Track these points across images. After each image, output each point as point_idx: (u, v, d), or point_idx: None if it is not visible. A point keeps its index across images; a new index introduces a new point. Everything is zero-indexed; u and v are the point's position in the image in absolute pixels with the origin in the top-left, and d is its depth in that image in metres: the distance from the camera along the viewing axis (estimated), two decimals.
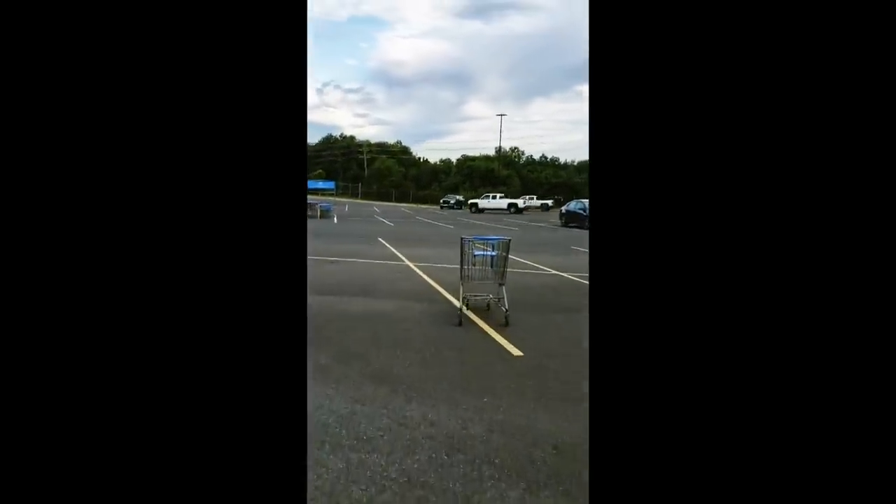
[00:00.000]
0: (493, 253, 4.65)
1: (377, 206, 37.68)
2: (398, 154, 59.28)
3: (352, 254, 8.86)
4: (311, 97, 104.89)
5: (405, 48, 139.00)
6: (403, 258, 8.44)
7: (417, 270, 7.13)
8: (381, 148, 60.76)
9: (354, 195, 49.66)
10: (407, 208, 35.48)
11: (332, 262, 7.74)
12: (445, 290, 5.65)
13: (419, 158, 61.68)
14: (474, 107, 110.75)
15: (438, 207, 38.30)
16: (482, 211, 31.42)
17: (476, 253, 4.64)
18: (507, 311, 4.29)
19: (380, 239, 11.89)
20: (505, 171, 50.18)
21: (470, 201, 33.64)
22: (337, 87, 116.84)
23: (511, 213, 30.37)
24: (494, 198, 32.13)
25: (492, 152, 55.69)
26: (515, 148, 61.11)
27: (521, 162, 59.07)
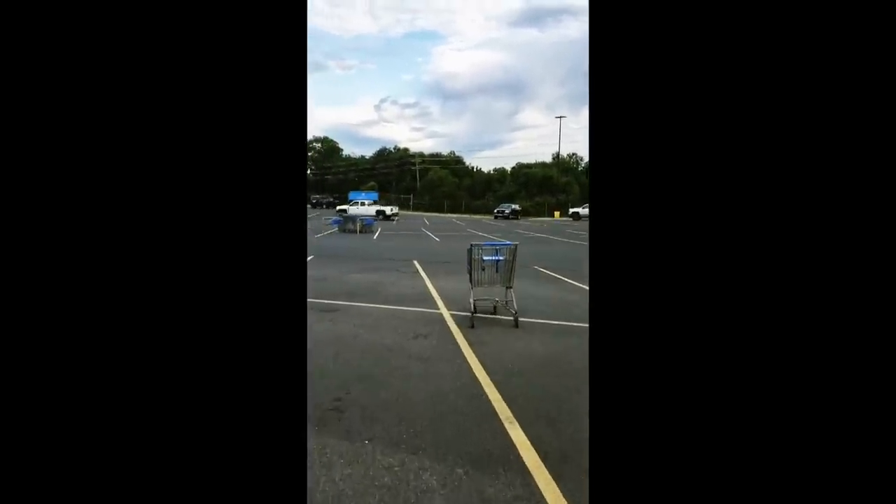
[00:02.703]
0: (501, 258, 4.78)
1: (427, 217, 35.34)
2: (451, 164, 56.82)
3: (368, 291, 6.11)
4: (370, 114, 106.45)
5: (460, 60, 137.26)
6: (438, 300, 5.57)
7: (455, 331, 4.23)
8: (434, 158, 58.67)
9: (408, 206, 47.84)
10: (458, 219, 32.80)
11: (328, 311, 5.03)
12: (508, 401, 2.73)
13: (472, 168, 58.97)
14: (529, 115, 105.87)
15: (493, 217, 35.72)
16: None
17: (485, 258, 4.81)
18: (515, 312, 4.53)
19: (415, 263, 9.11)
20: (564, 179, 46.39)
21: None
22: (394, 102, 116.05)
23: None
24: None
25: (548, 159, 52.04)
26: (574, 154, 56.82)
27: (580, 169, 54.78)
